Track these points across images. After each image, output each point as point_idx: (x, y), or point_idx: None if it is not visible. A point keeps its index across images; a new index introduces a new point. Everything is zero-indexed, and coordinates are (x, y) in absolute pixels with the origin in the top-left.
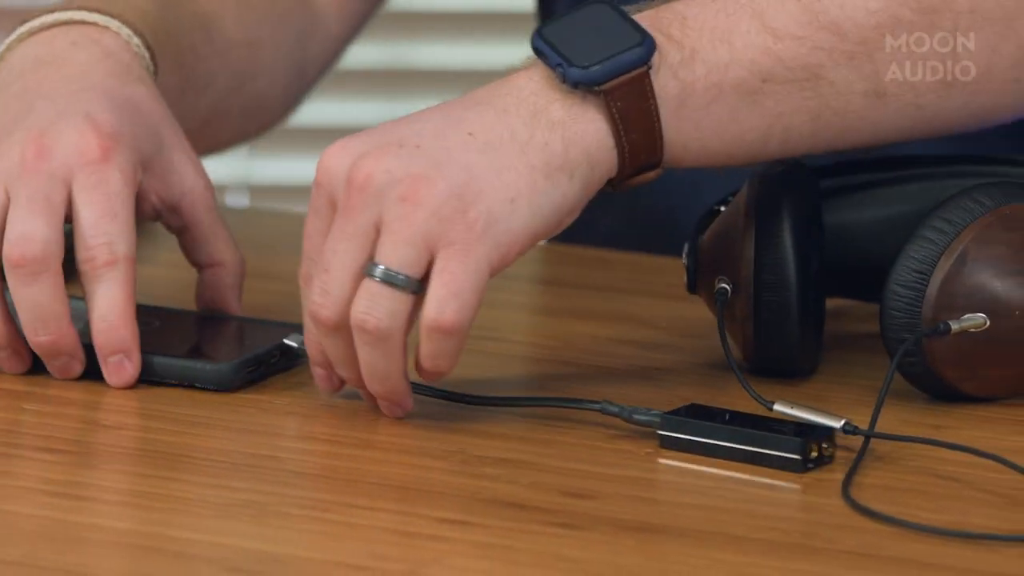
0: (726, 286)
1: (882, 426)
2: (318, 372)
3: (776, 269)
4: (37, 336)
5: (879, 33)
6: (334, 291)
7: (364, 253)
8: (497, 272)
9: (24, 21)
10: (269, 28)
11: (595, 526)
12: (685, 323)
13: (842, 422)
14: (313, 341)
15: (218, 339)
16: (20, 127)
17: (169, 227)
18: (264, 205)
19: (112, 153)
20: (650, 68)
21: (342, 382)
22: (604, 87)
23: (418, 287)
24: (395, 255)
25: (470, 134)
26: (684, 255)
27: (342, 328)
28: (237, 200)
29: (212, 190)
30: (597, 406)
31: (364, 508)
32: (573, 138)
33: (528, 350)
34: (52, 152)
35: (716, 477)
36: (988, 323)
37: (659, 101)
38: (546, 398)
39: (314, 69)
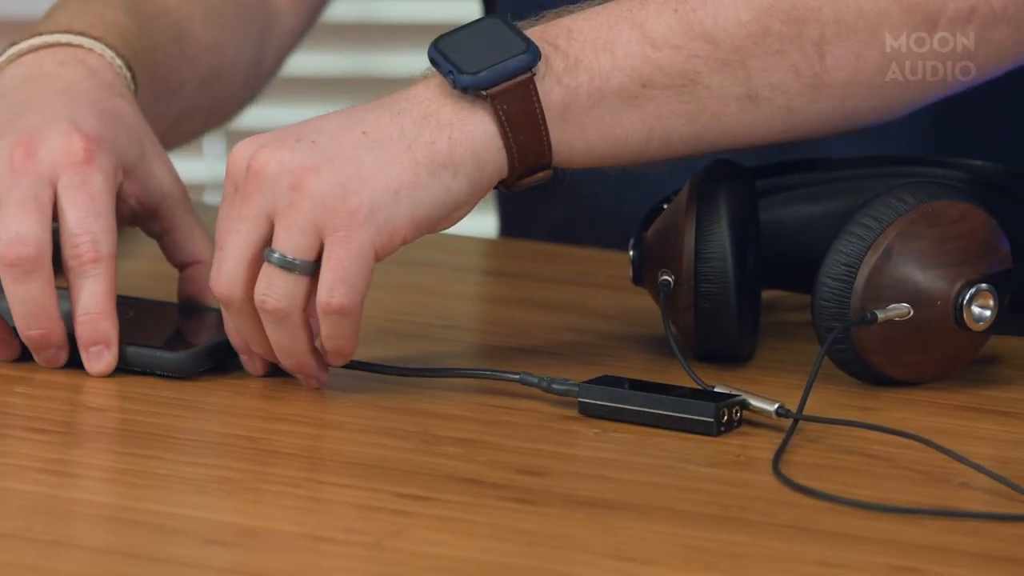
0: (669, 278)
1: (813, 409)
2: (242, 357)
3: (715, 262)
4: (29, 330)
5: (751, 42)
6: (226, 269)
7: (257, 235)
8: (383, 257)
9: (12, 44)
10: (231, 31)
11: (548, 501)
12: (631, 313)
13: (776, 405)
14: (230, 326)
15: (182, 329)
16: (9, 133)
17: (148, 231)
18: None
19: (95, 156)
20: (535, 74)
21: (265, 364)
22: (491, 91)
23: (312, 269)
24: (288, 242)
25: (363, 133)
26: (630, 249)
27: (245, 308)
28: (214, 198)
29: (187, 196)
30: (516, 377)
31: (332, 484)
32: (460, 139)
33: (480, 337)
34: (39, 154)
35: (660, 456)
36: (912, 312)
37: (544, 105)
38: (468, 370)
39: (271, 64)
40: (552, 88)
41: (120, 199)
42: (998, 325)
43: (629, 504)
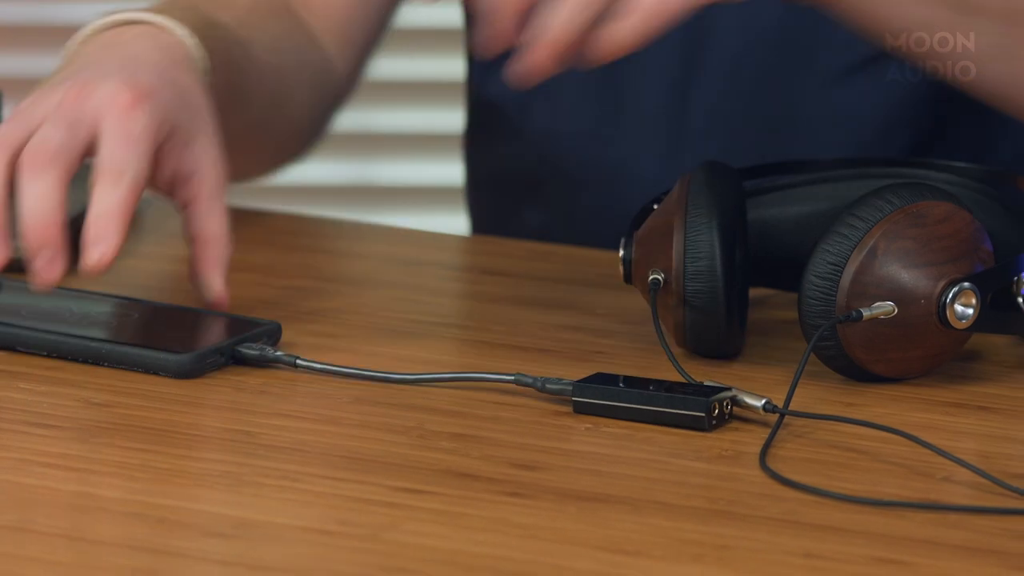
0: (659, 276)
1: (800, 404)
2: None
3: (703, 261)
4: (31, 224)
5: None
6: None
7: None
8: None
9: (96, 20)
10: (292, 58)
11: (540, 495)
12: (622, 310)
13: (763, 401)
14: None
15: (184, 331)
16: (68, 80)
17: (175, 201)
18: (238, 203)
19: (140, 104)
20: None
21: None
22: None
23: None
24: None
25: None
26: (620, 248)
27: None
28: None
29: (221, 179)
30: (511, 378)
31: (330, 478)
32: None
33: (474, 335)
34: (88, 98)
35: (650, 451)
36: (896, 310)
37: None
38: (465, 374)
39: (329, 105)
40: None
41: (159, 162)
42: (980, 323)
43: (620, 498)
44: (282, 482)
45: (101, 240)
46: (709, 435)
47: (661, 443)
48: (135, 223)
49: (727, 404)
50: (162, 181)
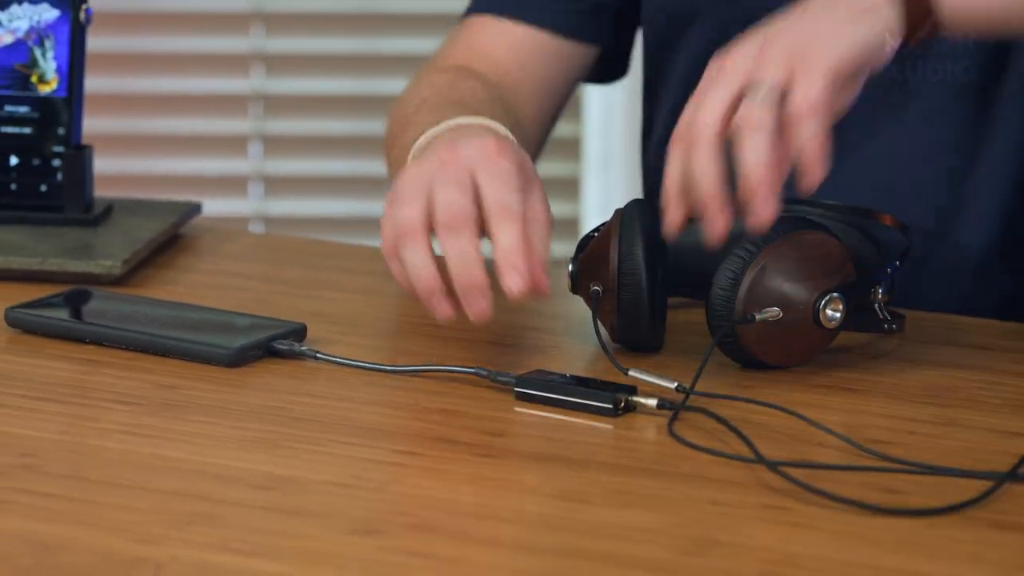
0: (598, 288)
1: (705, 387)
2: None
3: (633, 276)
4: (460, 277)
5: None
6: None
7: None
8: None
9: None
10: (518, 136)
11: (508, 456)
12: (569, 314)
13: (675, 384)
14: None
15: (233, 330)
16: (439, 148)
17: None
18: (276, 231)
19: (504, 151)
20: None
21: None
22: None
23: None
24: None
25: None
26: (568, 264)
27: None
28: (256, 228)
29: (519, 215)
30: (472, 371)
31: (345, 443)
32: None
33: (458, 334)
34: (460, 152)
35: (592, 424)
36: (781, 314)
37: None
38: (443, 367)
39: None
40: None
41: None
42: (846, 323)
43: (568, 458)
44: (308, 446)
45: (514, 269)
46: (638, 412)
47: (600, 419)
48: (187, 246)
49: (630, 398)
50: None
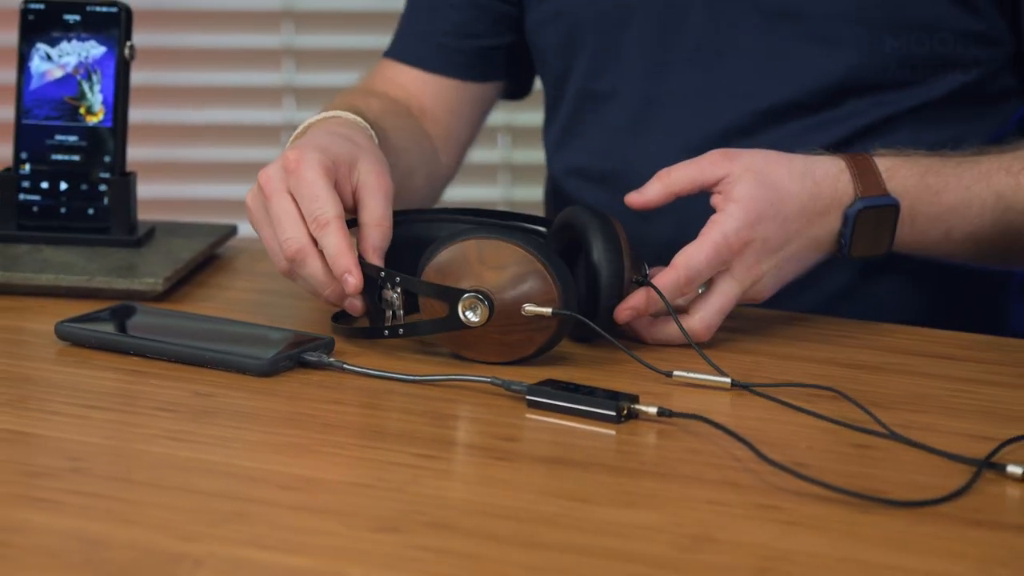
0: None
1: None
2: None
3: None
4: (333, 289)
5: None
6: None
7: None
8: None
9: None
10: (415, 148)
11: (518, 459)
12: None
13: (728, 378)
14: None
15: (265, 342)
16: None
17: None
18: None
19: (300, 162)
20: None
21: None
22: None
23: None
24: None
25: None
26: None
27: None
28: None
29: (384, 189)
30: (487, 380)
31: (369, 447)
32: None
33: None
34: (270, 175)
35: (595, 428)
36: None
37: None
38: (460, 376)
39: (437, 187)
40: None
41: (341, 186)
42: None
43: (575, 461)
44: (334, 449)
45: (345, 270)
46: (640, 419)
47: (600, 425)
48: (223, 266)
49: (632, 407)
50: (349, 202)
